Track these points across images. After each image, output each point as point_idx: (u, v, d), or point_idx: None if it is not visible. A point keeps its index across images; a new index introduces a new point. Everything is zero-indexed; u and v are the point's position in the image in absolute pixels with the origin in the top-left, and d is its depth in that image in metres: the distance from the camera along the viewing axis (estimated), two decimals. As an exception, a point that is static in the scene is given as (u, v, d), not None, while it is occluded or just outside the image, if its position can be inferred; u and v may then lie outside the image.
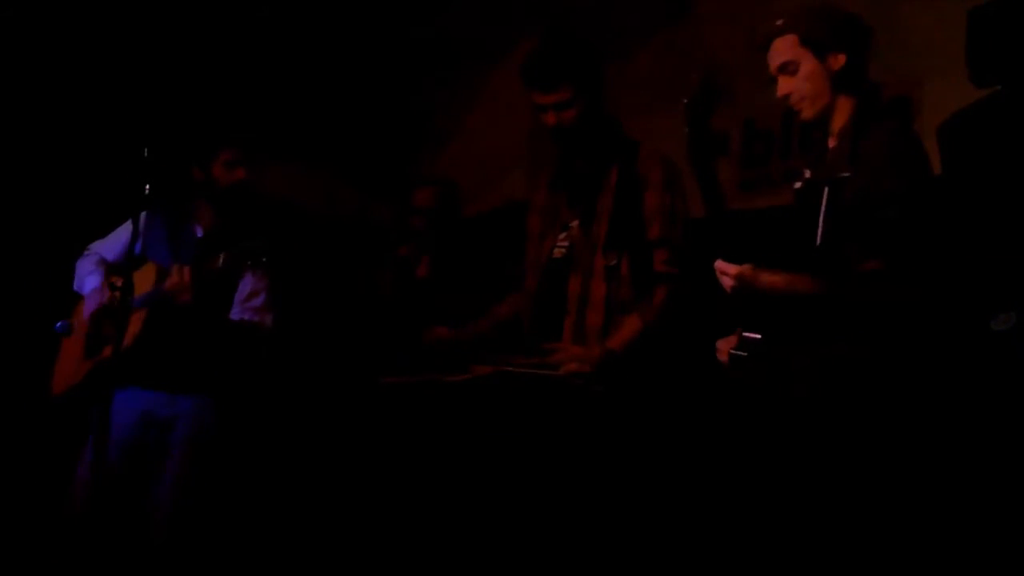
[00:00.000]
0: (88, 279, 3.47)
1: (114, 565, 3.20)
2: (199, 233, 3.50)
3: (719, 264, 2.47)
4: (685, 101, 2.51)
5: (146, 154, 2.95)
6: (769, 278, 2.44)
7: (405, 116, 5.35)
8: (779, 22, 2.66)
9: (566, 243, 3.22)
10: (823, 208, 2.52)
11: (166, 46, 4.60)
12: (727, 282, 2.45)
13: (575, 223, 3.21)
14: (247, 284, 3.42)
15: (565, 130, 3.13)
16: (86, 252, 3.57)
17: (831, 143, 2.65)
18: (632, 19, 4.60)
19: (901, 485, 2.44)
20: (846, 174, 2.49)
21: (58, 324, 3.44)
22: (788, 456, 2.47)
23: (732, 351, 2.50)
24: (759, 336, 2.47)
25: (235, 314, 3.42)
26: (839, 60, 2.59)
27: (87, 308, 3.42)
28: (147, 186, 2.92)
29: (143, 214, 3.05)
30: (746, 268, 2.43)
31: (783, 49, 2.64)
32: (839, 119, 2.64)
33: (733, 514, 2.71)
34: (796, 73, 2.62)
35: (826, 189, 2.53)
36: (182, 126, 3.75)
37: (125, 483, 3.28)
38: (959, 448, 2.74)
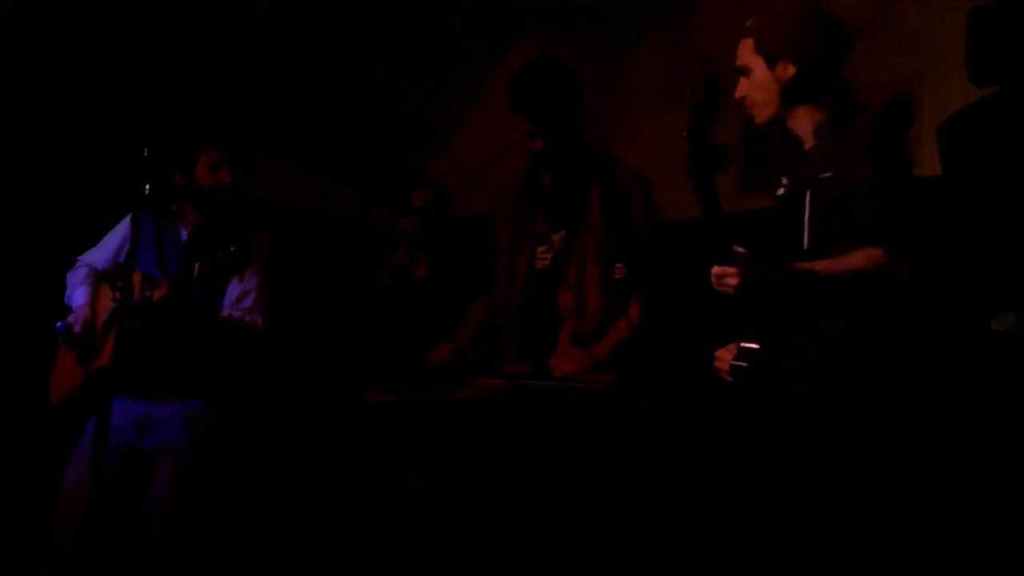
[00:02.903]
0: (77, 293, 3.46)
1: (110, 568, 3.19)
2: (184, 237, 3.49)
3: (716, 269, 2.45)
4: (690, 104, 2.51)
5: (146, 154, 2.94)
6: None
7: (404, 116, 5.35)
8: (748, 23, 2.65)
9: (548, 255, 3.28)
10: (807, 212, 2.53)
11: (164, 47, 4.59)
12: (730, 282, 2.44)
13: (556, 236, 3.28)
14: (236, 286, 3.40)
15: (550, 155, 3.23)
16: (76, 264, 3.56)
17: (806, 147, 2.64)
18: (633, 17, 4.59)
19: (902, 485, 2.44)
20: (826, 175, 2.50)
21: (58, 324, 3.43)
22: (790, 457, 2.46)
23: (732, 362, 2.49)
24: (757, 346, 2.47)
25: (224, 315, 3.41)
26: (788, 70, 2.57)
27: (77, 320, 3.40)
28: (147, 186, 2.91)
29: (133, 215, 3.04)
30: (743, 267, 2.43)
31: (742, 52, 2.64)
32: (802, 126, 2.62)
33: (740, 516, 2.71)
34: (749, 78, 2.63)
35: (808, 193, 2.53)
36: (179, 127, 3.73)
37: (118, 488, 3.27)
38: (959, 447, 2.75)
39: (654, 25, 4.55)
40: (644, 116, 4.29)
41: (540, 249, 3.32)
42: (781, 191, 2.65)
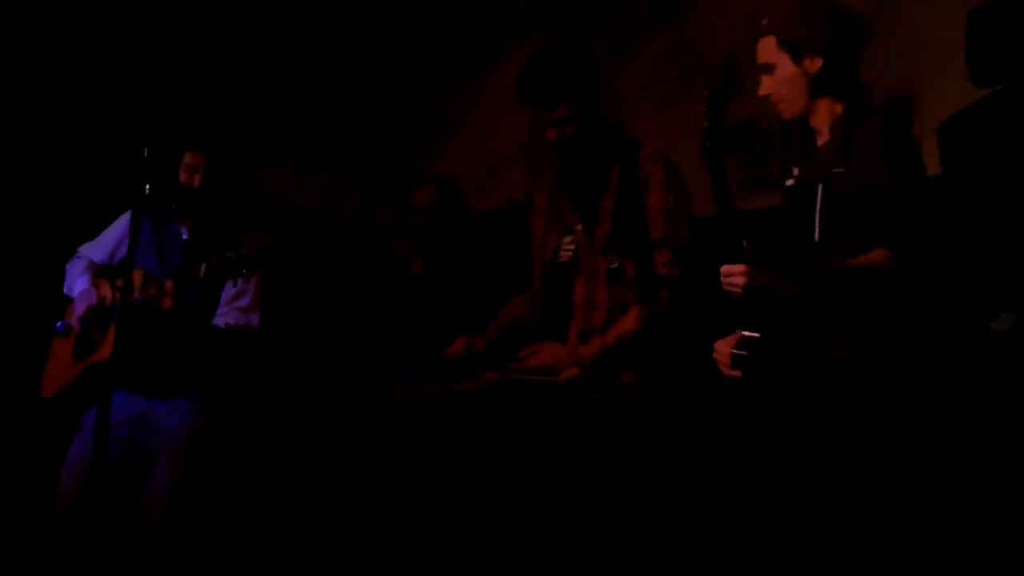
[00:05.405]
0: (77, 282, 3.46)
1: (104, 566, 3.18)
2: (185, 236, 3.50)
3: (725, 268, 2.46)
4: (707, 92, 2.51)
5: (146, 154, 2.95)
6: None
7: (405, 115, 5.35)
8: (764, 21, 2.67)
9: (571, 246, 3.19)
10: (818, 205, 2.53)
11: (165, 46, 4.59)
12: (737, 281, 2.44)
13: (579, 226, 3.18)
14: (233, 286, 3.40)
15: (566, 143, 3.11)
16: (75, 255, 3.57)
17: (820, 140, 2.66)
18: (632, 19, 4.59)
19: (902, 485, 2.44)
20: (839, 170, 2.50)
21: (58, 324, 3.43)
22: (790, 458, 2.46)
23: (733, 351, 2.49)
24: (758, 335, 2.47)
25: (221, 315, 3.41)
26: (815, 64, 2.60)
27: (77, 311, 3.40)
28: (147, 186, 2.91)
29: (132, 215, 3.05)
30: (753, 268, 2.43)
31: (764, 50, 2.65)
32: (821, 120, 2.64)
33: (737, 517, 2.71)
34: (774, 75, 2.63)
35: (820, 186, 2.54)
36: (180, 127, 3.73)
37: (114, 485, 3.27)
38: (959, 448, 2.74)
39: (654, 26, 4.55)
40: (643, 117, 4.28)
41: (565, 240, 3.21)
42: (790, 182, 2.66)
